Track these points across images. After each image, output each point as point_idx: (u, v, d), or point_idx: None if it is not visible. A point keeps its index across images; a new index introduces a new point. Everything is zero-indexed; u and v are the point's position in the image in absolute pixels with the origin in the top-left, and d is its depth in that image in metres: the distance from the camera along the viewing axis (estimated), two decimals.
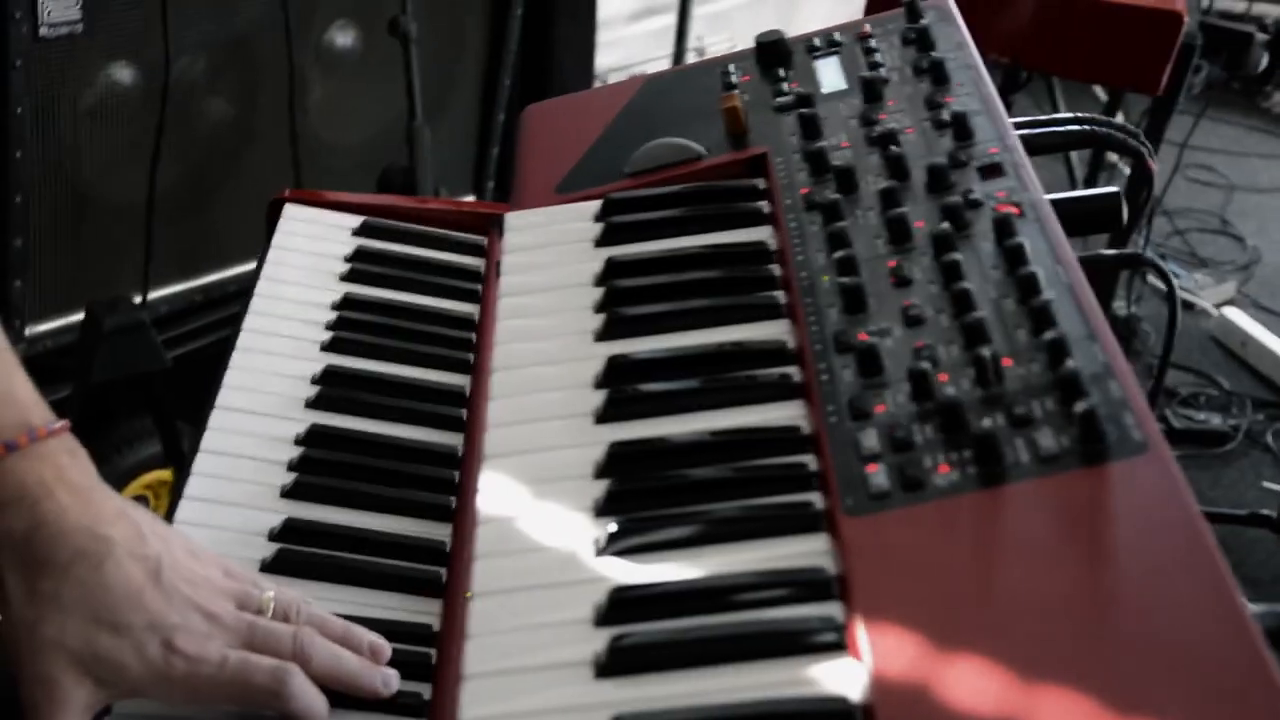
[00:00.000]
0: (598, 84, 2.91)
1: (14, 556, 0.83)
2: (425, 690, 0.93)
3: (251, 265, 2.27)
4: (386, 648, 0.92)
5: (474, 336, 1.27)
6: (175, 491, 2.09)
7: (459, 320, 1.30)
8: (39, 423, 0.88)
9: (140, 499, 2.13)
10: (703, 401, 0.90)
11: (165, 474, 2.13)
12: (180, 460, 2.06)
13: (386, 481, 1.12)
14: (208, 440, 1.13)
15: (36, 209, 1.99)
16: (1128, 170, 3.05)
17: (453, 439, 1.17)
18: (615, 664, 0.73)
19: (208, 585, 0.88)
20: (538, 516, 0.84)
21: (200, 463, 1.11)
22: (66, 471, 0.86)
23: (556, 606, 0.78)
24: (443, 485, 1.12)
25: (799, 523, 0.80)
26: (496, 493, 0.86)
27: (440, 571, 1.03)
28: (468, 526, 1.04)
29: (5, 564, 0.83)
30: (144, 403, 2.07)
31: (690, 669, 0.73)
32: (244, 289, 2.26)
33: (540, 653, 0.75)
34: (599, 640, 0.75)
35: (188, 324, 2.23)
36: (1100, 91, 3.37)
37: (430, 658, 0.96)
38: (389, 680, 0.91)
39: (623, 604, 0.76)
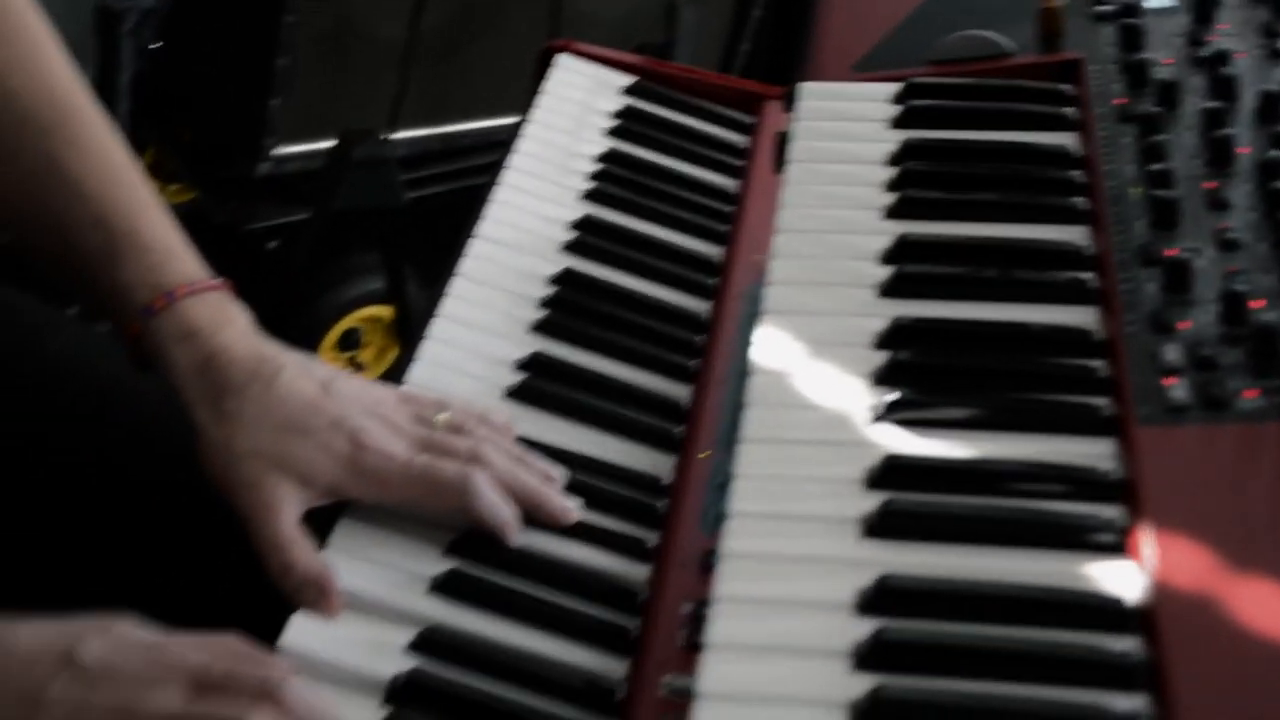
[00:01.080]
0: None
1: (197, 386, 0.88)
2: (651, 537, 0.95)
3: (492, 122, 2.33)
4: (560, 477, 0.94)
5: (732, 210, 1.28)
6: (399, 327, 2.16)
7: (719, 193, 1.31)
8: (204, 275, 0.93)
9: (354, 331, 2.19)
10: (991, 293, 0.88)
11: (383, 311, 2.18)
12: (401, 300, 2.12)
13: (631, 333, 1.13)
14: (465, 266, 1.15)
15: (304, 32, 2.05)
16: None
17: (700, 304, 1.17)
18: (885, 526, 0.73)
19: (381, 399, 0.92)
20: (813, 376, 0.84)
21: (456, 286, 1.13)
22: (232, 316, 0.92)
23: (825, 463, 0.78)
24: (686, 347, 1.13)
25: (1085, 424, 0.79)
26: (772, 347, 0.86)
27: (677, 428, 1.04)
28: (708, 389, 1.06)
29: (192, 397, 0.88)
30: (374, 239, 2.12)
31: (959, 544, 0.72)
32: (481, 143, 2.33)
33: (806, 503, 0.75)
34: (868, 502, 0.75)
35: (422, 170, 2.27)
36: None
37: (658, 507, 0.97)
38: (567, 507, 0.92)
39: (897, 470, 0.76)
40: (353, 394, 0.91)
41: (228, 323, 0.91)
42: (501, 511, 0.89)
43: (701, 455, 1.00)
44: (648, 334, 1.13)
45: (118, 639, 0.70)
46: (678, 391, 1.08)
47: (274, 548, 0.85)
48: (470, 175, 2.28)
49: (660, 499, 0.98)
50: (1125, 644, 0.66)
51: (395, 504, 0.89)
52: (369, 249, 2.14)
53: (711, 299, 1.17)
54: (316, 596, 0.84)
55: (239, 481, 0.86)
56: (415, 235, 2.12)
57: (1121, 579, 0.69)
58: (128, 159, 1.00)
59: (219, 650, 0.73)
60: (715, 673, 0.66)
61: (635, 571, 0.93)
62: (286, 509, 0.86)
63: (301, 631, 0.84)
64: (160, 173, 2.35)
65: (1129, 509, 0.73)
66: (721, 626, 0.69)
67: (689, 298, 1.18)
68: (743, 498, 0.75)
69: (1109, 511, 0.73)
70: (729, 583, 0.71)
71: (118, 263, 0.92)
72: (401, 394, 0.95)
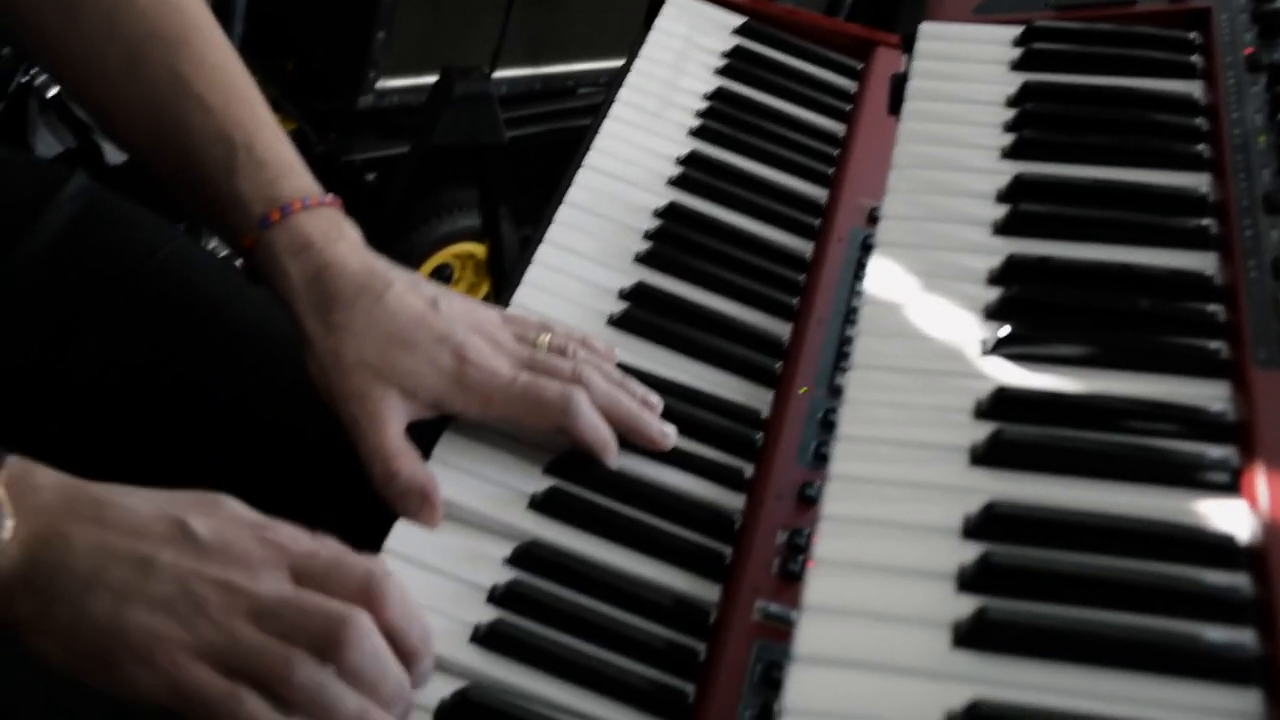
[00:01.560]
0: None
1: (308, 297, 0.91)
2: (748, 468, 0.96)
3: (592, 65, 2.34)
4: (658, 403, 0.96)
5: (838, 154, 1.28)
6: (490, 264, 2.18)
7: (826, 136, 1.32)
8: (318, 192, 0.96)
9: (446, 267, 2.22)
10: (1109, 235, 0.89)
11: (476, 248, 2.21)
12: (495, 237, 2.14)
13: (734, 269, 1.14)
14: (572, 195, 1.18)
15: None
16: None
17: (803, 244, 1.18)
18: (993, 455, 0.73)
19: (486, 319, 0.94)
20: (924, 308, 0.84)
21: (562, 213, 1.15)
22: (344, 231, 0.94)
23: (933, 392, 0.78)
24: (787, 285, 1.14)
25: (1201, 366, 0.79)
26: (883, 279, 0.87)
27: (776, 364, 1.05)
28: (808, 327, 1.07)
29: (303, 309, 0.91)
30: (471, 176, 2.15)
31: (1068, 476, 0.73)
32: (580, 86, 2.35)
33: (912, 430, 0.76)
34: (976, 432, 0.76)
35: (522, 110, 2.29)
36: None
37: (756, 439, 0.98)
38: (665, 432, 0.94)
39: (1008, 401, 0.76)
40: (459, 312, 0.93)
41: (340, 238, 0.93)
42: (601, 432, 0.91)
43: (800, 391, 1.02)
44: (750, 270, 1.14)
45: (229, 516, 0.72)
46: (778, 328, 1.10)
47: (379, 456, 0.87)
48: (569, 117, 2.30)
49: (758, 431, 0.99)
50: (1234, 579, 0.66)
51: (496, 420, 0.91)
52: (466, 186, 2.17)
53: (815, 240, 1.18)
54: (419, 505, 0.87)
55: (346, 392, 0.88)
56: (512, 174, 2.14)
57: (1233, 518, 0.70)
58: (247, 77, 1.02)
59: (323, 543, 0.75)
60: (820, 586, 0.67)
61: (731, 500, 0.95)
62: (392, 419, 0.88)
63: (403, 538, 0.86)
64: None
65: (1241, 450, 0.73)
66: (827, 544, 0.70)
67: (792, 237, 1.20)
68: (851, 422, 0.76)
69: (1225, 451, 0.73)
70: (836, 503, 0.72)
71: (236, 176, 0.95)
72: (505, 315, 0.97)
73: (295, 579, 0.71)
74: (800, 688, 0.63)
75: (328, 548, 0.74)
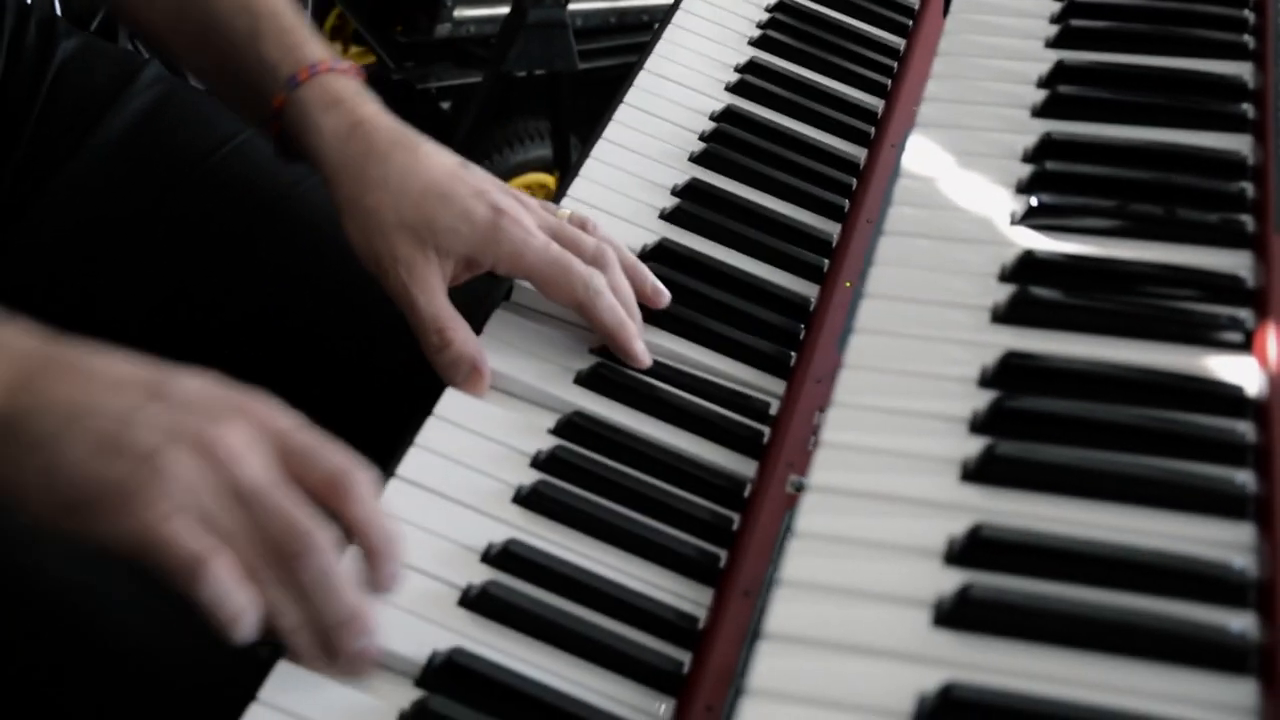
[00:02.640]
0: None
1: (342, 153, 0.92)
2: (790, 356, 1.00)
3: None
4: (666, 298, 0.98)
5: (895, 66, 1.31)
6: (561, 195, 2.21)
7: (884, 48, 1.35)
8: (342, 61, 0.98)
9: None
10: (1143, 116, 0.92)
11: (547, 178, 2.26)
12: (566, 167, 2.19)
13: (787, 170, 1.18)
14: (631, 95, 1.21)
15: None
16: None
17: (857, 150, 1.22)
18: (1017, 314, 0.77)
19: (510, 187, 0.96)
20: (957, 182, 0.88)
21: (621, 113, 1.19)
22: (370, 96, 0.96)
23: (962, 258, 0.82)
24: (839, 188, 1.17)
25: (1224, 236, 0.82)
26: (920, 156, 0.91)
27: (824, 260, 1.09)
28: (857, 226, 1.10)
29: (336, 166, 0.92)
30: (541, 106, 2.19)
31: (1089, 334, 0.76)
32: (654, 20, 2.37)
33: (940, 291, 0.80)
34: (1001, 293, 0.79)
35: (596, 42, 2.33)
36: None
37: (800, 329, 1.02)
38: (660, 290, 0.97)
39: (1032, 265, 0.80)
40: (488, 175, 0.95)
41: (367, 100, 0.95)
42: (618, 314, 0.93)
43: (845, 285, 1.05)
44: (803, 172, 1.18)
45: (210, 382, 0.69)
46: (828, 228, 1.13)
47: (433, 325, 0.90)
48: (642, 51, 2.33)
49: (801, 322, 1.03)
50: (1240, 426, 0.70)
51: (521, 276, 0.94)
52: (538, 116, 2.21)
53: (869, 146, 1.21)
54: (469, 373, 0.90)
55: (389, 257, 0.90)
56: (584, 106, 2.18)
57: (1243, 373, 0.73)
58: None
59: (305, 426, 0.71)
60: (838, 424, 0.72)
61: (772, 384, 0.99)
62: (438, 285, 0.91)
63: (452, 405, 0.91)
64: (341, 35, 2.46)
65: (1257, 313, 0.76)
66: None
67: (847, 144, 1.23)
68: (879, 282, 0.81)
69: (1240, 313, 0.76)
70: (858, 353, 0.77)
71: (261, 41, 0.97)
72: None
73: (274, 451, 0.68)
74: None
75: (310, 432, 0.71)
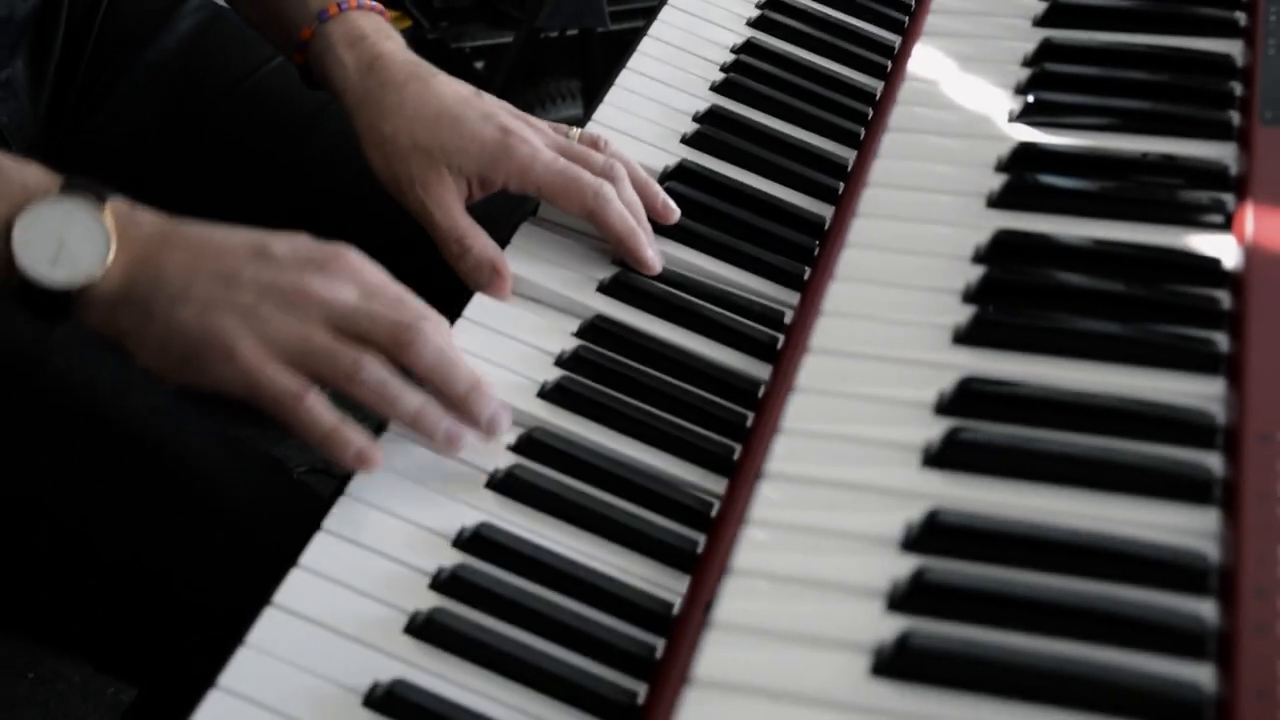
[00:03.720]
0: None
1: (362, 85, 1.00)
2: (805, 271, 1.05)
3: None
4: (675, 213, 1.03)
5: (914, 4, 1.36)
6: None
7: None
8: None
9: None
10: (1140, 23, 0.97)
11: None
12: None
13: (806, 100, 1.23)
14: (655, 29, 1.28)
15: None
16: None
17: (875, 82, 1.27)
18: (1011, 199, 0.83)
19: (523, 112, 1.03)
20: (959, 84, 0.94)
21: (645, 44, 1.26)
22: (392, 32, 1.04)
23: (961, 151, 0.88)
24: (856, 117, 1.23)
25: (1210, 129, 0.88)
26: (925, 61, 0.96)
27: (839, 183, 1.14)
28: (871, 153, 1.16)
29: (356, 96, 1.00)
30: (572, 66, 2.25)
31: (1076, 217, 0.82)
32: None
33: (939, 180, 0.86)
34: (996, 182, 0.85)
35: (624, 4, 2.38)
36: None
37: (814, 246, 1.07)
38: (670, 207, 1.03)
39: (1026, 156, 0.86)
40: (499, 101, 1.02)
41: (389, 35, 1.03)
42: (628, 222, 0.98)
43: None
44: (821, 101, 1.23)
45: (306, 241, 0.81)
46: (843, 153, 1.19)
47: (452, 236, 0.97)
48: None
49: (816, 240, 1.08)
50: (1217, 294, 0.76)
51: (531, 191, 1.00)
52: (569, 76, 2.27)
53: (883, 79, 1.27)
54: (491, 277, 0.96)
55: (406, 179, 0.98)
56: (615, 66, 2.23)
57: (1222, 250, 0.79)
58: None
59: (389, 277, 0.83)
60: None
61: (787, 296, 1.04)
62: (453, 201, 0.98)
63: (480, 308, 0.97)
64: None
65: (1238, 196, 0.82)
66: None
67: (865, 76, 1.28)
68: (884, 174, 0.87)
69: (1223, 196, 0.82)
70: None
71: None
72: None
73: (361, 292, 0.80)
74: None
75: (394, 283, 0.83)
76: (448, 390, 0.79)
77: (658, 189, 1.03)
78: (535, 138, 0.98)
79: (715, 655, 0.63)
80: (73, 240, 0.76)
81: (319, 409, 0.75)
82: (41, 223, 0.76)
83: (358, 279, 0.80)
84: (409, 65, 1.01)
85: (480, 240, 0.97)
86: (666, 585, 0.78)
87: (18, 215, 0.76)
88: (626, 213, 0.97)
